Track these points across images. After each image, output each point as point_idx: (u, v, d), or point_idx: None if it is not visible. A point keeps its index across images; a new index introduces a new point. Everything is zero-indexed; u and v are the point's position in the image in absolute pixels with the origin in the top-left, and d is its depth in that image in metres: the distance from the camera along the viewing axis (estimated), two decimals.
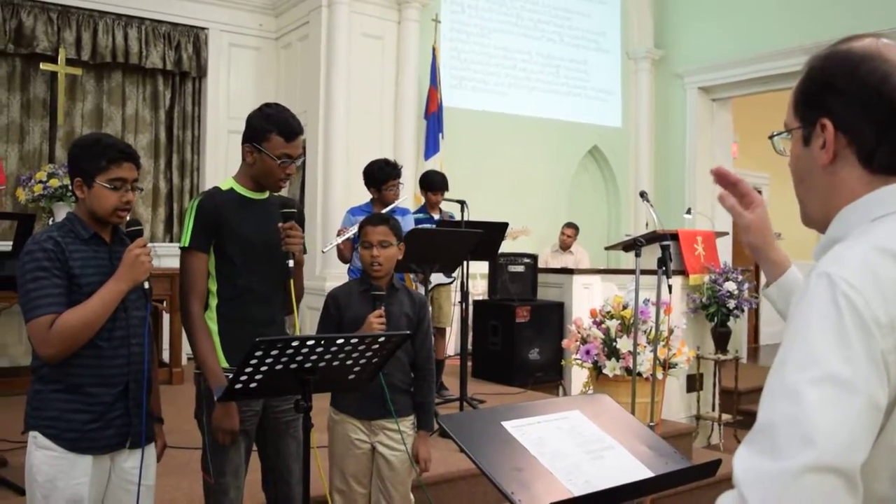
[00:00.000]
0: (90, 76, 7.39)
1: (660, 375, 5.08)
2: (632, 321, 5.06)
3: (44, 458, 2.26)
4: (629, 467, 1.75)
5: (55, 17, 7.04)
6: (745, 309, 6.88)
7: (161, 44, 7.58)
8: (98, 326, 2.27)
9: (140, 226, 2.45)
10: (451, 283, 5.70)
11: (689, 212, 8.04)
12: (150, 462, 2.45)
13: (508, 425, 1.70)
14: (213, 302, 2.68)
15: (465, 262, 4.95)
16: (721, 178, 1.57)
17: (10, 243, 3.77)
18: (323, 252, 5.16)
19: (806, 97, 1.21)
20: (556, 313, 6.56)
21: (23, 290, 2.25)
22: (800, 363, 0.99)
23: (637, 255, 4.55)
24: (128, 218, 2.44)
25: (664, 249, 4.41)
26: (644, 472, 1.74)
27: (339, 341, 2.18)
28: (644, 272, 4.83)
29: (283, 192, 2.97)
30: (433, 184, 5.63)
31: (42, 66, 6.94)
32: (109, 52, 7.31)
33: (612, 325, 5.19)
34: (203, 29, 7.82)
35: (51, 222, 5.93)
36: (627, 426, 1.92)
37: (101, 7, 7.24)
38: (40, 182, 6.22)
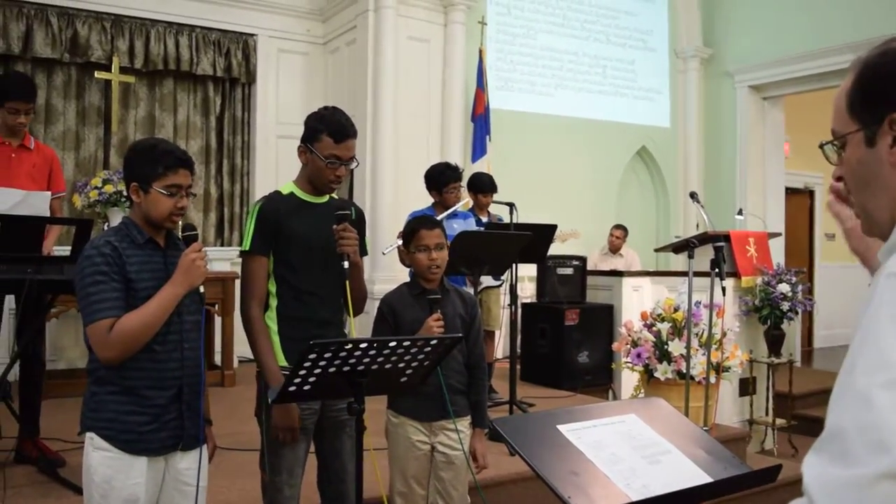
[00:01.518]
0: (143, 84, 7.52)
1: (713, 379, 5.01)
2: (684, 324, 5.00)
3: (101, 458, 2.29)
4: (687, 472, 1.73)
5: (108, 27, 7.18)
6: (800, 311, 6.75)
7: (211, 51, 7.69)
8: (155, 330, 2.30)
9: (195, 230, 2.48)
10: (500, 285, 5.68)
11: (740, 212, 7.91)
12: (203, 463, 2.47)
13: (564, 429, 1.69)
14: (274, 303, 2.73)
15: (513, 265, 4.93)
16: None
17: (69, 248, 3.84)
18: (384, 253, 5.17)
19: (867, 96, 1.16)
20: (605, 316, 6.51)
21: (82, 294, 2.27)
22: (870, 367, 0.96)
23: (690, 257, 4.49)
24: (182, 223, 2.47)
25: (717, 251, 4.35)
26: (702, 478, 1.72)
27: (392, 344, 2.18)
28: (696, 274, 4.77)
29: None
30: (482, 186, 5.61)
31: (97, 74, 7.09)
32: (161, 59, 7.44)
33: (664, 327, 5.13)
34: (252, 35, 7.91)
35: (106, 227, 6.05)
36: (684, 430, 1.89)
37: (153, 16, 7.37)
38: (96, 188, 6.34)
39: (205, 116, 7.83)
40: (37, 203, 4.00)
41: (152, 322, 2.28)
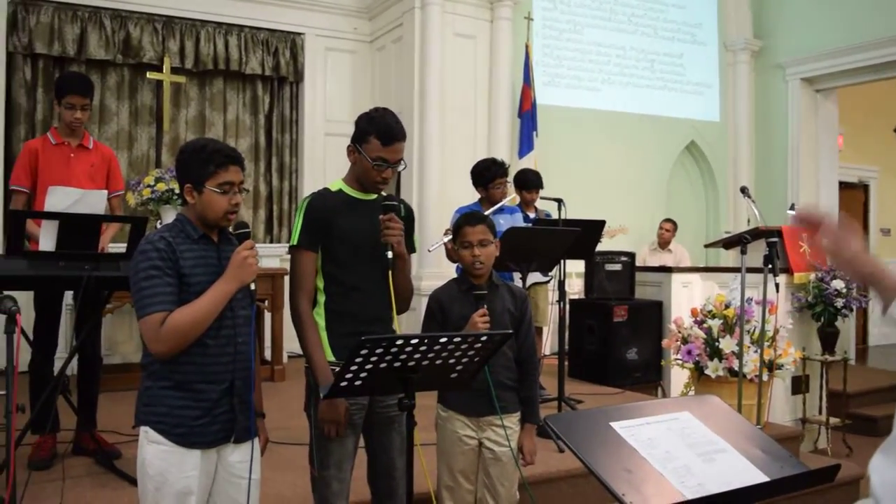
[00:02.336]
0: (193, 83, 7.65)
1: (765, 377, 4.94)
2: (735, 321, 4.93)
3: (155, 451, 2.33)
4: (742, 471, 1.70)
5: (160, 28, 7.31)
6: (854, 308, 6.61)
7: (260, 50, 7.78)
8: (206, 325, 2.33)
9: (248, 228, 2.50)
10: (548, 281, 5.65)
11: (792, 207, 7.76)
12: (255, 456, 2.50)
13: (617, 426, 1.67)
14: (322, 299, 2.75)
15: (561, 261, 4.90)
16: (805, 219, 1.52)
17: (125, 245, 3.92)
18: (429, 251, 5.18)
19: None
20: (654, 312, 6.45)
21: (136, 288, 2.31)
22: None
23: (743, 253, 4.43)
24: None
25: (771, 246, 4.28)
26: (758, 477, 1.69)
27: (442, 340, 2.18)
28: (748, 270, 4.70)
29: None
30: (528, 182, 5.59)
31: (148, 75, 7.23)
32: (211, 59, 7.55)
33: (715, 324, 5.06)
34: (299, 34, 7.98)
35: (158, 224, 6.15)
36: (739, 428, 1.86)
37: (203, 16, 7.49)
38: (148, 186, 6.46)
39: (254, 115, 7.93)
40: (93, 201, 4.08)
41: (203, 318, 2.31)
